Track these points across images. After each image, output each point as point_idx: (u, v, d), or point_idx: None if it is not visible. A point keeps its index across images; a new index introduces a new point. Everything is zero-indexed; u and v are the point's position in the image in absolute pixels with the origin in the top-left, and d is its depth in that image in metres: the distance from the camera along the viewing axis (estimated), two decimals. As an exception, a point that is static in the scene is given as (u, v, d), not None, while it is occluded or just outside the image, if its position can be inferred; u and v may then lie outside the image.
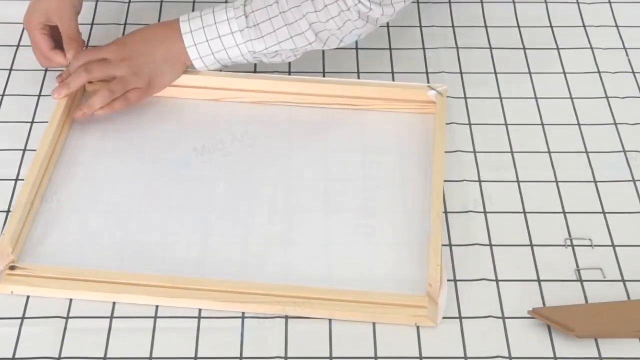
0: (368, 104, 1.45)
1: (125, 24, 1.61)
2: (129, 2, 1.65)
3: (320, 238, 1.29)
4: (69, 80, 1.40)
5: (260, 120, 1.44)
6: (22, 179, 1.34)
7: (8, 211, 1.31)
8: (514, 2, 1.66)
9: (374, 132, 1.43)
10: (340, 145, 1.42)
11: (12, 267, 1.22)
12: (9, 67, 1.53)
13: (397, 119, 1.44)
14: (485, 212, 1.33)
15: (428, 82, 1.51)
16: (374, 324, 1.20)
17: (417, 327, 1.20)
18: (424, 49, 1.58)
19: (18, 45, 1.57)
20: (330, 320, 1.20)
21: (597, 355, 1.18)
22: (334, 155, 1.40)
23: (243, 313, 1.20)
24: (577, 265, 1.28)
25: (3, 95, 1.48)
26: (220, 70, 1.45)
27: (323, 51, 1.55)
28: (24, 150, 1.39)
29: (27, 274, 1.22)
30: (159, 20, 1.62)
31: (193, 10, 1.63)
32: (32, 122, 1.44)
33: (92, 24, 1.61)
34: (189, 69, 1.43)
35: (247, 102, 1.45)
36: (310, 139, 1.43)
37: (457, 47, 1.58)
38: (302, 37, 1.38)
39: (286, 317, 1.20)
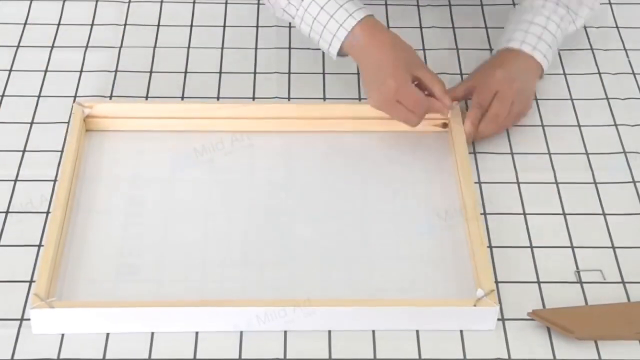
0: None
1: (125, 24, 1.61)
2: (129, 2, 1.65)
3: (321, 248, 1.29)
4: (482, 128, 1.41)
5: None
6: (21, 180, 1.35)
7: (7, 212, 1.31)
8: (514, 4, 1.66)
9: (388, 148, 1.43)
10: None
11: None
12: (8, 68, 1.52)
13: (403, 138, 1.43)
14: (485, 214, 1.33)
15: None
16: (373, 331, 1.20)
17: (417, 331, 1.19)
18: (424, 50, 1.58)
19: (18, 46, 1.57)
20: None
21: (596, 357, 1.17)
22: (336, 156, 1.41)
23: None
24: (577, 267, 1.28)
25: (3, 96, 1.48)
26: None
27: (323, 52, 1.55)
28: (24, 151, 1.39)
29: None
30: (158, 22, 1.62)
31: (193, 11, 1.63)
32: (32, 123, 1.43)
33: (92, 25, 1.60)
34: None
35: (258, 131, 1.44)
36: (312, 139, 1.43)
37: (457, 49, 1.58)
38: None
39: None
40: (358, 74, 1.52)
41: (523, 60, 1.44)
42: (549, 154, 1.42)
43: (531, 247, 1.30)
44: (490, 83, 1.41)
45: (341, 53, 1.38)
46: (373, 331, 1.19)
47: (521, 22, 1.47)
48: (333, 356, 1.17)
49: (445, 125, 1.41)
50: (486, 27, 1.62)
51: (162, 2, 1.65)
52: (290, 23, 1.59)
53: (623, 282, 1.26)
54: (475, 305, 1.19)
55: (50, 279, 1.20)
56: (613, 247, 1.30)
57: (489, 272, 1.22)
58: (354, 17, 1.35)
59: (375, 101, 1.37)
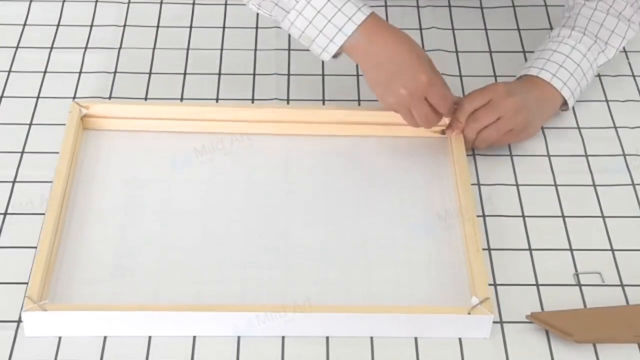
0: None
1: (124, 25, 1.61)
2: (129, 3, 1.65)
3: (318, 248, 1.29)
4: (466, 133, 1.38)
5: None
6: (20, 181, 1.35)
7: (5, 213, 1.31)
8: (513, 6, 1.66)
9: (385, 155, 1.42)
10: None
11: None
12: (7, 69, 1.52)
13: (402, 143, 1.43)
14: (484, 216, 1.33)
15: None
16: (371, 337, 1.20)
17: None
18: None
19: (17, 47, 1.56)
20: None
21: (595, 360, 1.18)
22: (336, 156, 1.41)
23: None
24: (576, 270, 1.28)
25: (2, 96, 1.48)
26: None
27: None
28: (22, 152, 1.39)
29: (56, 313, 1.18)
30: (157, 23, 1.61)
31: (192, 12, 1.63)
32: (31, 125, 1.43)
33: (91, 26, 1.60)
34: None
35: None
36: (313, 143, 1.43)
37: (456, 51, 1.58)
38: None
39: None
40: (357, 75, 1.52)
41: (539, 87, 1.41)
42: (548, 156, 1.42)
43: (530, 249, 1.30)
44: (486, 91, 1.38)
45: (336, 53, 1.32)
46: (371, 337, 1.19)
47: (545, 51, 1.44)
48: (331, 361, 1.17)
49: (443, 132, 1.41)
50: (486, 29, 1.62)
51: (161, 3, 1.65)
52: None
53: (622, 285, 1.26)
54: (469, 314, 1.18)
55: (43, 281, 1.19)
56: (612, 250, 1.30)
57: (484, 280, 1.21)
58: (362, 11, 1.29)
59: (398, 98, 1.31)
